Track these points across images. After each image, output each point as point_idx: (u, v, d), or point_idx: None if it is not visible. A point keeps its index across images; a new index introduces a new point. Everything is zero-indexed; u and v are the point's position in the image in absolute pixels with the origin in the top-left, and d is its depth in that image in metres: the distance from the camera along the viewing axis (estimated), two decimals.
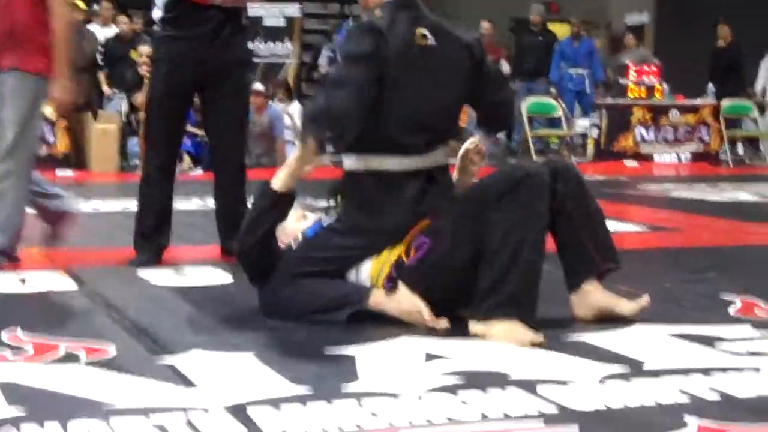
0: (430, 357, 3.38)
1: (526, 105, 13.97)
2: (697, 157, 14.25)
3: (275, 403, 2.83)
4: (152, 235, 5.36)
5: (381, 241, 3.94)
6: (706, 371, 3.22)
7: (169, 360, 3.33)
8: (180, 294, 4.52)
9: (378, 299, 3.87)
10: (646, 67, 14.53)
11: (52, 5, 5.09)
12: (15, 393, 2.93)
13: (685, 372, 3.21)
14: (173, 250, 5.50)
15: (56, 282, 4.79)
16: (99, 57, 12.90)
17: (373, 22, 3.98)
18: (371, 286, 3.91)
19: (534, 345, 3.55)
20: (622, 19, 19.23)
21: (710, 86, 15.32)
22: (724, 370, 3.24)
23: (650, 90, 14.38)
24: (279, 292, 3.98)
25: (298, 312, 3.91)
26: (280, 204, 3.95)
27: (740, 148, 15.05)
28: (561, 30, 16.60)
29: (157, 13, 5.63)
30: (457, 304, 3.84)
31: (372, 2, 4.12)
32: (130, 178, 10.07)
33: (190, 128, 10.52)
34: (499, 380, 3.11)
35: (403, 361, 3.35)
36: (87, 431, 2.59)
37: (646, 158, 14.08)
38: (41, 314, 4.19)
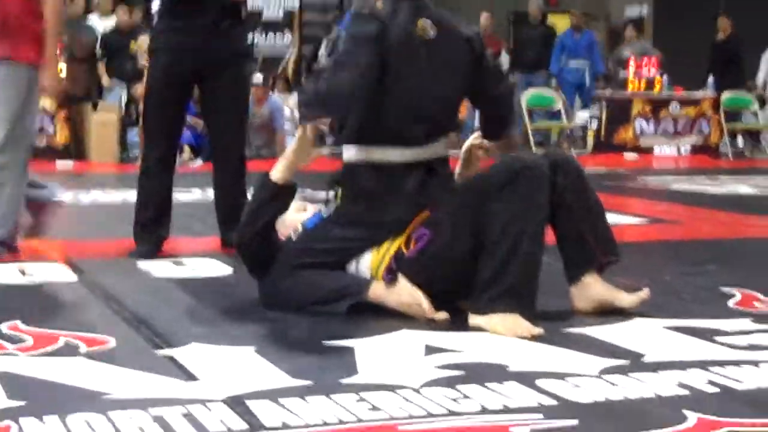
0: (429, 350, 3.38)
1: (525, 97, 13.95)
2: (697, 149, 14.24)
3: (275, 396, 2.83)
4: (152, 227, 5.36)
5: (381, 232, 3.94)
6: (705, 364, 3.22)
7: (168, 352, 3.33)
8: (180, 285, 4.52)
9: (378, 291, 3.87)
10: (645, 60, 14.51)
11: None
12: (14, 384, 2.93)
13: (684, 365, 3.21)
14: (173, 242, 5.50)
15: (56, 273, 4.79)
16: (98, 48, 12.88)
17: (375, 9, 3.97)
18: (371, 277, 3.91)
19: (534, 337, 3.56)
20: (621, 11, 19.22)
21: (710, 79, 15.30)
22: (723, 363, 3.24)
23: (650, 82, 14.36)
24: (279, 284, 3.98)
25: (298, 303, 3.91)
26: (279, 196, 3.95)
27: (740, 141, 15.04)
28: (560, 22, 16.58)
29: (155, 4, 5.62)
30: (457, 295, 3.84)
31: None
32: (130, 169, 10.06)
33: (190, 120, 10.52)
34: (499, 373, 3.11)
35: (402, 354, 3.35)
36: (86, 423, 2.59)
37: (646, 151, 14.07)
38: (41, 305, 4.19)
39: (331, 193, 4.06)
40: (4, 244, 5.12)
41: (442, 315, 3.79)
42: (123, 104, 12.49)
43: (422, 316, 3.78)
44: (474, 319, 3.71)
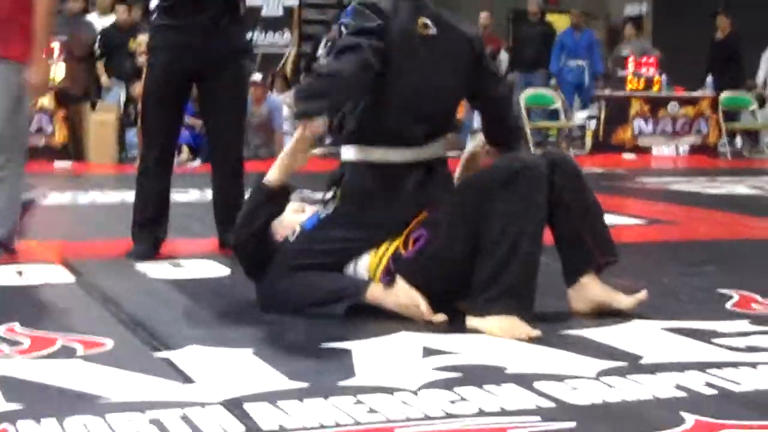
0: (427, 352, 3.37)
1: (524, 97, 13.95)
2: (695, 149, 14.24)
3: (272, 398, 2.83)
4: (150, 227, 5.35)
5: (380, 233, 3.93)
6: (703, 366, 3.22)
7: (166, 354, 3.33)
8: (177, 287, 4.52)
9: (375, 293, 3.86)
10: (644, 59, 14.51)
11: None
12: (11, 387, 2.93)
13: (682, 367, 3.21)
14: (171, 243, 5.49)
15: (53, 274, 4.79)
16: (97, 47, 12.88)
17: (377, 5, 3.96)
18: (369, 279, 3.91)
19: (531, 339, 3.55)
20: (620, 10, 19.21)
21: (709, 78, 15.30)
22: (721, 365, 3.24)
23: (649, 82, 14.36)
24: (276, 285, 3.97)
25: (296, 305, 3.90)
26: (275, 198, 3.95)
27: (739, 141, 15.04)
28: (559, 21, 16.58)
29: (153, 2, 5.61)
30: (455, 296, 3.84)
31: None
32: (128, 169, 10.05)
33: (188, 120, 10.52)
34: (497, 375, 3.11)
35: (400, 356, 3.34)
36: (83, 426, 2.59)
37: (645, 151, 14.07)
38: (38, 307, 4.19)
39: (330, 194, 4.05)
40: (2, 245, 5.12)
41: (440, 317, 3.78)
42: (122, 104, 12.48)
43: (420, 317, 3.78)
44: (472, 321, 3.71)
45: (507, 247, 3.68)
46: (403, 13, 3.98)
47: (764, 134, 15.16)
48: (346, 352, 3.36)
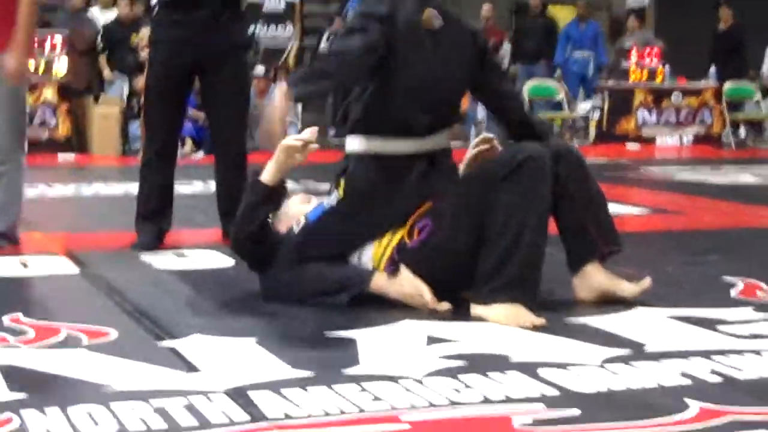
0: (431, 340, 3.38)
1: (527, 88, 13.93)
2: (699, 139, 14.22)
3: (276, 386, 2.83)
4: (154, 218, 5.35)
5: (384, 224, 3.93)
6: (707, 353, 3.22)
7: (170, 344, 3.33)
8: (181, 277, 4.52)
9: (380, 282, 3.86)
10: (647, 50, 14.48)
11: None
12: (16, 377, 2.93)
13: (686, 354, 3.21)
14: (175, 234, 5.49)
15: (57, 265, 4.79)
16: (99, 41, 12.87)
17: None
18: (373, 269, 3.91)
19: (536, 327, 3.55)
20: (623, 1, 19.17)
21: (712, 69, 15.28)
22: (725, 352, 3.24)
23: (652, 73, 14.34)
24: (280, 276, 3.97)
25: (300, 295, 3.90)
26: (271, 197, 3.92)
27: (742, 131, 15.01)
28: (561, 13, 16.55)
29: None
30: (459, 286, 3.84)
31: None
32: (132, 161, 10.06)
33: (191, 112, 10.52)
34: (501, 363, 3.11)
35: (404, 345, 3.35)
36: (88, 415, 2.59)
37: (648, 141, 14.05)
38: (42, 298, 4.19)
39: (334, 185, 4.05)
40: (5, 236, 5.12)
41: (445, 305, 3.79)
42: (125, 97, 12.48)
43: (424, 306, 3.78)
44: (476, 309, 3.71)
45: (511, 238, 3.69)
46: (409, 4, 3.98)
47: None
48: (351, 341, 3.36)
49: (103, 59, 12.90)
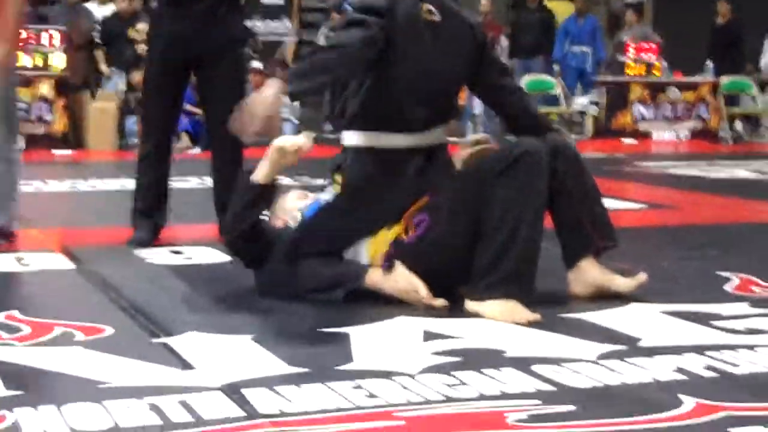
0: (427, 336, 3.37)
1: (524, 83, 13.92)
2: (695, 134, 14.22)
3: (271, 383, 2.83)
4: (150, 214, 5.35)
5: (380, 219, 3.93)
6: (702, 349, 3.22)
7: (165, 340, 3.32)
8: (177, 273, 4.52)
9: (375, 278, 3.86)
10: (644, 44, 14.48)
11: None
12: (10, 374, 2.93)
13: (681, 350, 3.21)
14: (171, 229, 5.49)
15: (53, 261, 4.79)
16: (96, 35, 12.86)
17: None
18: (368, 264, 3.90)
19: (531, 323, 3.55)
20: None
21: (709, 63, 15.28)
22: (720, 347, 3.24)
23: (649, 67, 14.33)
24: (276, 272, 3.97)
25: (295, 291, 3.90)
26: (263, 195, 3.91)
27: (739, 126, 15.01)
28: (558, 7, 16.53)
29: None
30: (455, 282, 3.83)
31: None
32: (128, 156, 10.04)
33: (188, 107, 10.51)
34: (496, 359, 3.11)
35: (399, 341, 3.34)
36: (82, 413, 2.59)
37: (645, 136, 14.06)
38: (38, 294, 4.19)
39: (331, 180, 4.05)
40: (1, 232, 5.11)
41: (440, 301, 3.78)
42: (121, 92, 12.46)
43: (420, 302, 3.78)
44: (471, 305, 3.71)
45: (507, 234, 3.68)
46: None
47: (765, 119, 15.12)
48: (345, 337, 3.36)
49: (100, 54, 12.89)
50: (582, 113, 14.53)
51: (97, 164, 10.56)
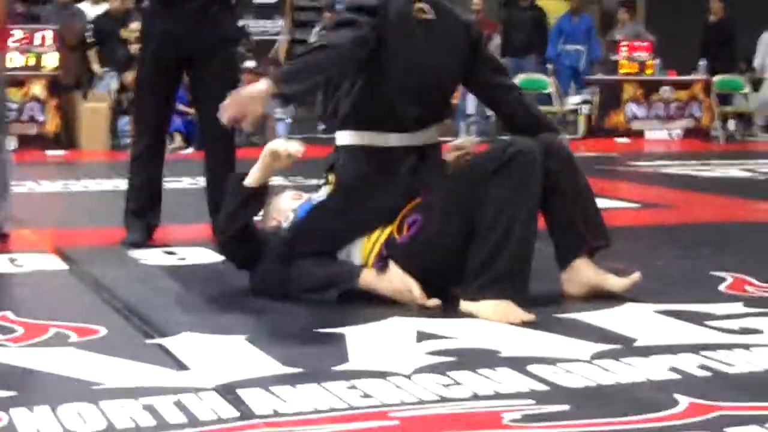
0: (421, 336, 3.37)
1: (517, 82, 13.90)
2: (688, 133, 14.24)
3: (266, 384, 2.83)
4: (142, 214, 5.34)
5: (374, 219, 3.92)
6: (696, 348, 3.22)
7: (159, 341, 3.32)
8: (170, 274, 4.51)
9: (368, 278, 3.86)
10: (637, 43, 14.49)
11: None
12: (4, 375, 2.92)
13: (675, 349, 3.21)
14: (164, 230, 5.48)
15: (46, 262, 4.78)
16: (89, 35, 12.84)
17: None
18: (362, 265, 3.90)
19: (525, 323, 3.55)
20: None
21: (702, 61, 15.29)
22: (714, 347, 3.24)
23: (642, 66, 14.34)
24: (269, 272, 3.96)
25: (289, 291, 3.90)
26: (255, 197, 3.89)
27: (731, 124, 15.03)
28: (550, 5, 16.53)
29: None
30: (448, 281, 3.83)
31: None
32: (121, 156, 10.03)
33: (181, 107, 10.50)
34: (491, 359, 3.11)
35: (394, 341, 3.34)
36: (77, 414, 2.58)
37: (638, 135, 14.07)
38: (31, 295, 4.18)
39: (324, 180, 4.04)
40: None
41: (434, 301, 3.78)
42: (114, 92, 12.45)
43: (413, 302, 3.78)
44: (465, 305, 3.70)
45: (501, 233, 3.68)
46: None
47: (758, 117, 15.14)
48: (340, 338, 3.36)
49: (93, 53, 12.87)
50: (575, 112, 14.53)
51: (89, 164, 10.55)
